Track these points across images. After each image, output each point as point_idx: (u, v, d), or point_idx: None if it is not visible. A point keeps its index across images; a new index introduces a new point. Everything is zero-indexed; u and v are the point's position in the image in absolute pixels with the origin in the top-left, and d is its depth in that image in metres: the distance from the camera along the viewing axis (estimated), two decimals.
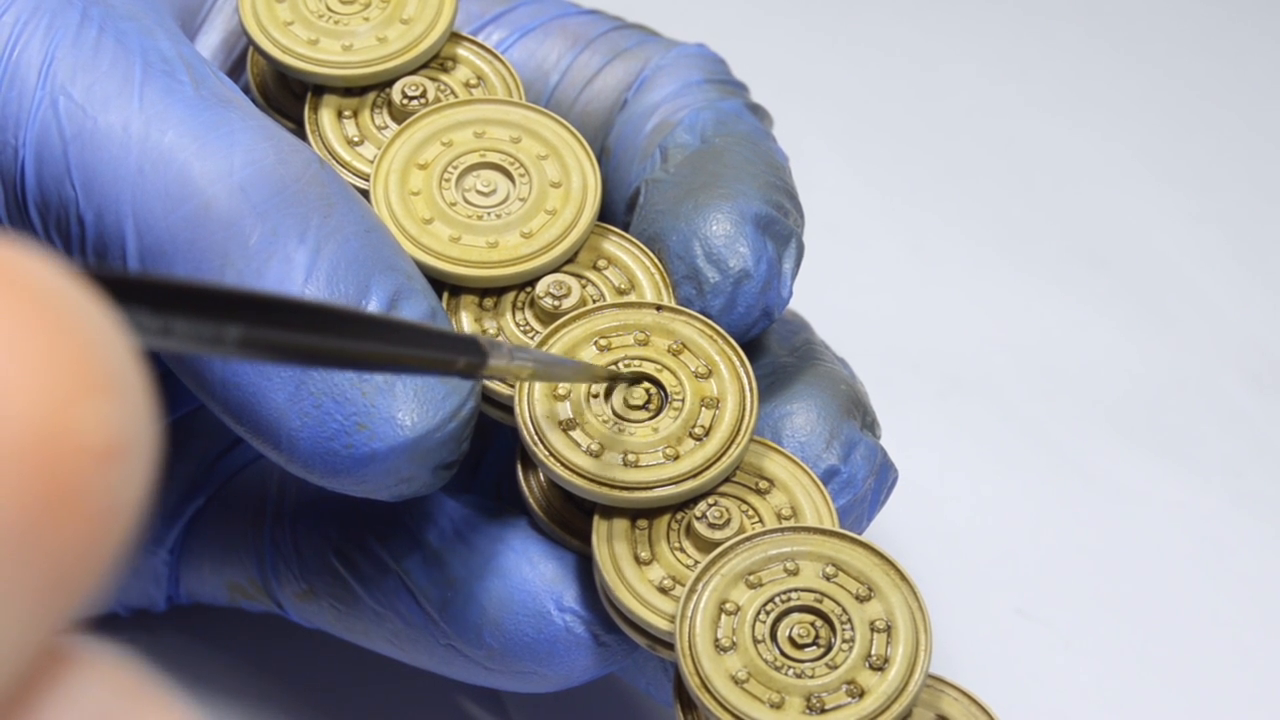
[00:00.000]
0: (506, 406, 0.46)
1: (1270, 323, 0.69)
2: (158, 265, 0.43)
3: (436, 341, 0.36)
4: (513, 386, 0.45)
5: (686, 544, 0.44)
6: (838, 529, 0.44)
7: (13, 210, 0.45)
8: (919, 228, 0.72)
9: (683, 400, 0.45)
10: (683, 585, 0.43)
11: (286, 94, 0.50)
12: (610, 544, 0.44)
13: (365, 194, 0.47)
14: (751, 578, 0.43)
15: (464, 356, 0.37)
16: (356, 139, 0.48)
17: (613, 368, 0.45)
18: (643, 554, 0.44)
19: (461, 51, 0.50)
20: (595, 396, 0.45)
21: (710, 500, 0.44)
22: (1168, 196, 0.73)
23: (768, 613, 0.42)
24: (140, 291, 0.26)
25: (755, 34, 0.78)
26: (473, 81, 0.50)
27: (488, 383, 0.46)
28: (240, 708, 0.55)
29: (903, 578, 0.43)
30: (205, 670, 0.55)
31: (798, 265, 0.47)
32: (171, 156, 0.43)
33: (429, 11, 0.49)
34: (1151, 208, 0.73)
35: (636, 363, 0.45)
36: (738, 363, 0.45)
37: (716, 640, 0.42)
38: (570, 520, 0.46)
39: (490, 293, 0.47)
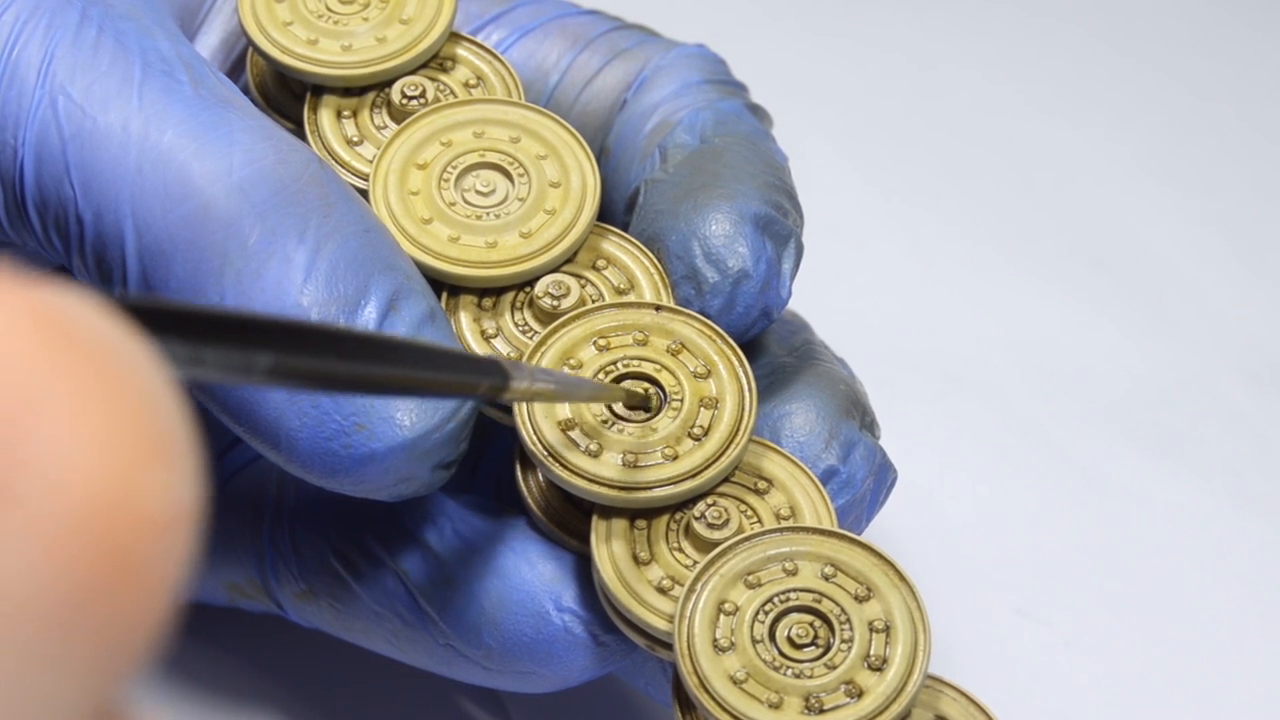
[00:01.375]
0: (505, 407, 0.46)
1: (1270, 323, 0.69)
2: (156, 264, 0.43)
3: (461, 365, 0.36)
4: None
5: (685, 544, 0.44)
6: (836, 529, 0.44)
7: (12, 210, 0.45)
8: (919, 228, 0.72)
9: (681, 400, 0.45)
10: (681, 585, 0.43)
11: (286, 94, 0.50)
12: (609, 544, 0.44)
13: (364, 194, 0.47)
14: (750, 578, 0.43)
15: (487, 379, 0.37)
16: (356, 139, 0.48)
17: (630, 388, 0.45)
18: (641, 554, 0.44)
19: (461, 51, 0.50)
20: (591, 400, 0.45)
21: (709, 500, 0.44)
22: (1168, 196, 0.73)
23: (766, 613, 0.42)
24: (171, 320, 0.26)
25: (755, 34, 0.78)
26: (472, 81, 0.50)
27: None
28: (240, 708, 0.55)
29: (901, 578, 0.43)
30: (205, 670, 0.55)
31: (797, 265, 0.47)
32: (170, 156, 0.43)
33: (428, 11, 0.49)
34: (1151, 208, 0.73)
35: (635, 363, 0.45)
36: (737, 363, 0.45)
37: (715, 640, 0.42)
38: (569, 520, 0.46)
39: (489, 293, 0.47)
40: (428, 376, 0.35)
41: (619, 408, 0.45)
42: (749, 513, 0.45)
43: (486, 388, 0.37)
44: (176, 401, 0.22)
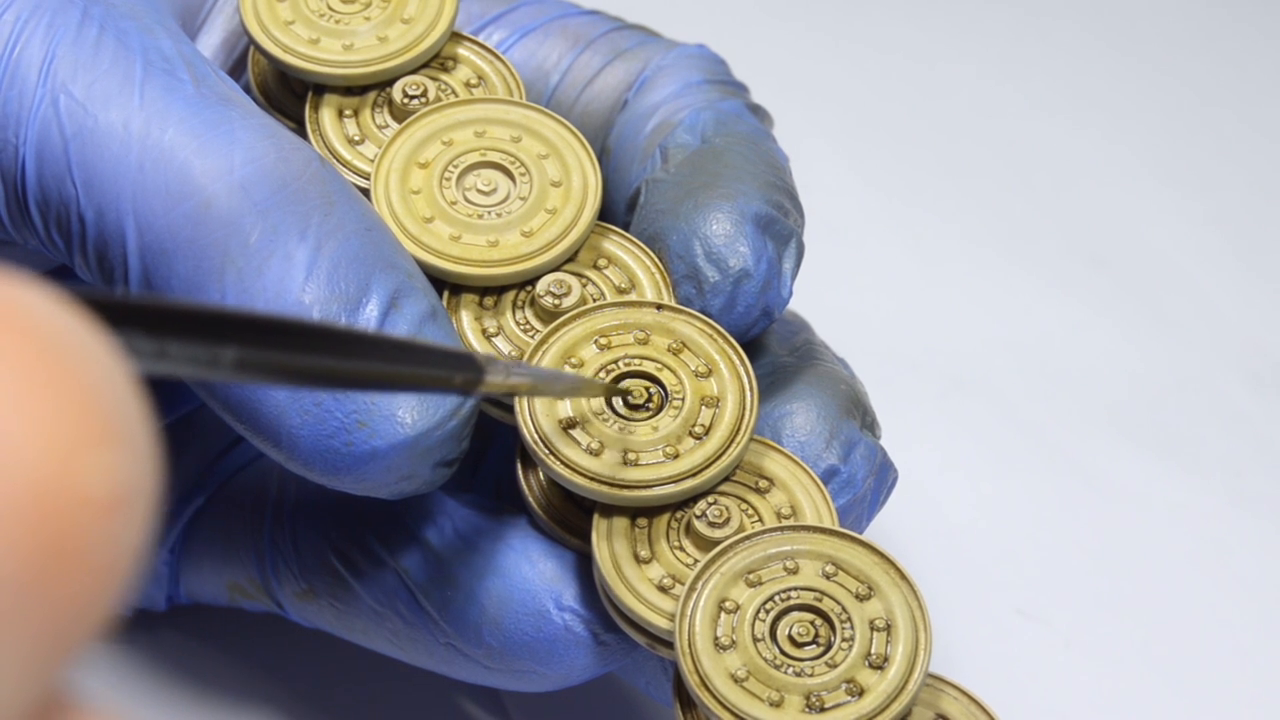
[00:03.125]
0: (507, 405, 0.46)
1: (1270, 323, 0.69)
2: (158, 263, 0.43)
3: (433, 359, 0.36)
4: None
5: (686, 543, 0.44)
6: (837, 528, 0.44)
7: (13, 208, 0.45)
8: (919, 228, 0.72)
9: (683, 399, 0.45)
10: (682, 584, 0.43)
11: (287, 93, 0.50)
12: (610, 542, 0.44)
13: (366, 193, 0.47)
14: (751, 576, 0.43)
15: (460, 373, 0.37)
16: (357, 138, 0.48)
17: (606, 380, 0.45)
18: (642, 553, 0.44)
19: (462, 51, 0.50)
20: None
21: (710, 499, 0.44)
22: (1168, 196, 0.73)
23: (767, 611, 0.42)
24: (135, 314, 0.26)
25: (756, 34, 0.78)
26: (473, 81, 0.50)
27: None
28: (240, 708, 0.55)
29: (902, 576, 0.43)
30: (205, 670, 0.55)
31: (798, 265, 0.47)
32: (172, 154, 0.43)
33: (430, 11, 0.49)
34: (1151, 208, 0.73)
35: (637, 361, 0.45)
36: (738, 362, 0.45)
37: (716, 639, 0.42)
38: (570, 519, 0.46)
39: (490, 291, 0.47)
40: (400, 370, 0.35)
41: (620, 406, 0.45)
42: (750, 511, 0.45)
43: (460, 381, 0.37)
44: (127, 385, 0.22)
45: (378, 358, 0.34)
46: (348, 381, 0.33)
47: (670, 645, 0.43)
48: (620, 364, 0.45)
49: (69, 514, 0.21)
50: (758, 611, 0.42)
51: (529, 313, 0.47)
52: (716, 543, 0.44)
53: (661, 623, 0.43)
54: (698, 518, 0.44)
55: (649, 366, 0.45)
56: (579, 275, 0.47)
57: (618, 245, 0.48)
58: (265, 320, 0.30)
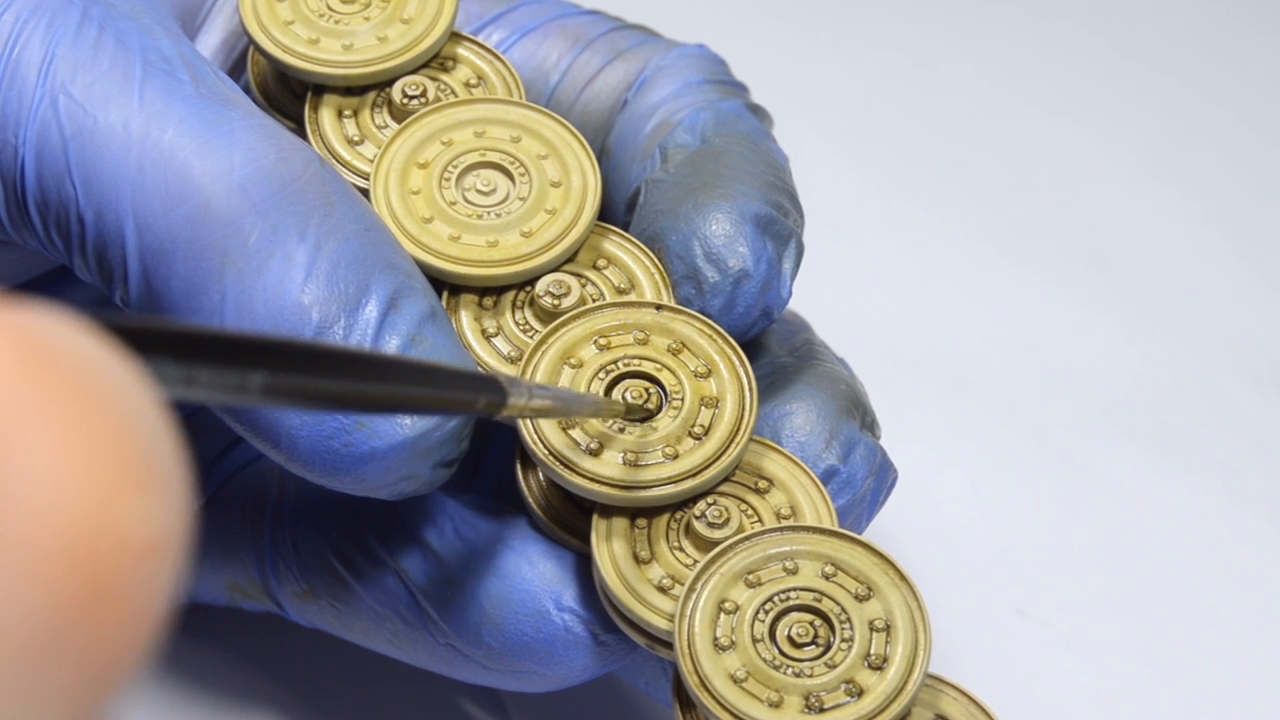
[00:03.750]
0: None
1: (1270, 323, 0.69)
2: (157, 263, 0.43)
3: (458, 382, 0.37)
4: None
5: (686, 543, 0.44)
6: (837, 528, 0.44)
7: (13, 209, 0.45)
8: (919, 228, 0.72)
9: (682, 399, 0.45)
10: (682, 584, 0.43)
11: (287, 93, 0.50)
12: (609, 543, 0.44)
13: (365, 193, 0.47)
14: (750, 577, 0.43)
15: (484, 396, 0.37)
16: (357, 138, 0.48)
17: (631, 401, 0.45)
18: (642, 553, 0.44)
19: (462, 51, 0.50)
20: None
21: (709, 499, 0.44)
22: (1168, 196, 0.73)
23: (766, 612, 0.42)
24: (163, 341, 0.26)
25: (755, 34, 0.78)
26: (473, 81, 0.50)
27: None
28: (240, 708, 0.55)
29: (902, 577, 0.43)
30: (205, 670, 0.55)
31: (797, 265, 0.47)
32: (171, 155, 0.43)
33: (429, 11, 0.49)
34: (1151, 208, 0.73)
35: (636, 362, 0.45)
36: (737, 362, 0.45)
37: (715, 639, 0.42)
38: (569, 519, 0.46)
39: (490, 292, 0.47)
40: (425, 393, 0.35)
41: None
42: (749, 512, 0.45)
43: (484, 404, 0.37)
44: (163, 425, 0.22)
45: (403, 381, 0.34)
46: (373, 405, 0.33)
47: (670, 646, 0.43)
48: (620, 364, 0.45)
49: (107, 558, 0.21)
50: (757, 612, 0.42)
51: (528, 313, 0.47)
52: (716, 543, 0.44)
53: (661, 623, 0.43)
54: (697, 518, 0.44)
55: (648, 367, 0.45)
56: (578, 275, 0.47)
57: (617, 245, 0.48)
58: (292, 345, 0.30)
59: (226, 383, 0.28)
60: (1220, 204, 0.73)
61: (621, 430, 0.44)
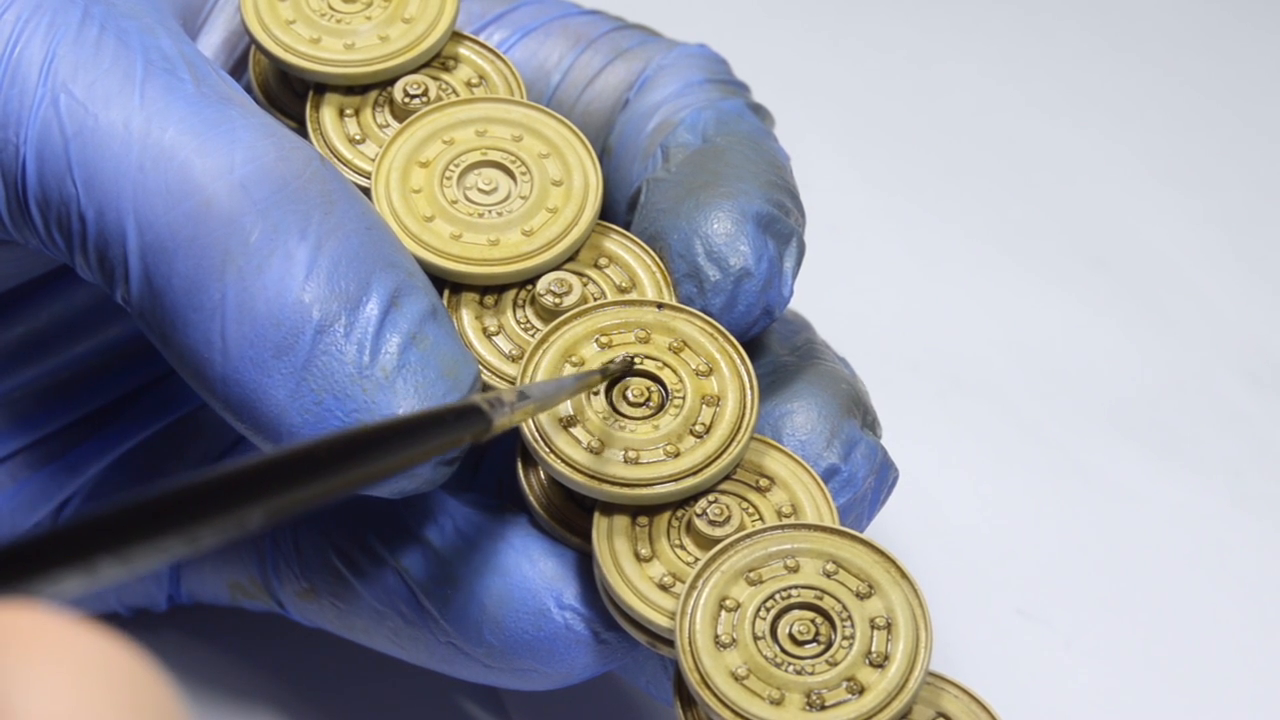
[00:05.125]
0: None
1: (1270, 323, 0.69)
2: (158, 262, 0.43)
3: (441, 426, 0.37)
4: (513, 384, 0.45)
5: (687, 541, 0.44)
6: (838, 526, 0.44)
7: (14, 208, 0.45)
8: (920, 227, 0.72)
9: (683, 398, 0.45)
10: (683, 582, 0.43)
11: (288, 92, 0.50)
12: (610, 541, 0.44)
13: (366, 192, 0.47)
14: (752, 575, 0.43)
15: (470, 428, 0.38)
16: (358, 137, 0.49)
17: (603, 366, 0.45)
18: (643, 551, 0.44)
19: (463, 51, 0.50)
20: (595, 394, 0.45)
21: (710, 497, 0.44)
22: (1168, 196, 0.73)
23: (768, 609, 0.42)
24: (156, 516, 0.27)
25: (756, 34, 0.78)
26: (474, 81, 0.50)
27: (488, 380, 0.46)
28: (241, 707, 0.55)
29: (903, 575, 0.43)
30: (206, 670, 0.55)
31: (799, 264, 0.47)
32: (172, 153, 0.43)
33: (431, 11, 0.49)
34: (1151, 208, 0.73)
35: (637, 360, 0.45)
36: (738, 360, 0.45)
37: (717, 637, 0.42)
38: (570, 518, 0.46)
39: (491, 290, 0.47)
40: (415, 451, 0.35)
41: (620, 404, 0.45)
42: (751, 510, 0.45)
43: (472, 435, 0.38)
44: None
45: (390, 449, 0.35)
46: (372, 480, 0.34)
47: (671, 643, 0.43)
48: (621, 362, 0.45)
49: None
50: (758, 610, 0.42)
51: (529, 311, 0.47)
52: (717, 541, 0.44)
53: (662, 621, 0.43)
54: (698, 516, 0.44)
55: (650, 365, 0.45)
56: (580, 274, 0.47)
57: (619, 244, 0.48)
58: (273, 466, 0.30)
59: (228, 529, 0.28)
60: (1220, 204, 0.73)
61: (623, 428, 0.44)
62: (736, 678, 0.41)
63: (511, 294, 0.47)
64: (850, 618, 0.42)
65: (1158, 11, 0.80)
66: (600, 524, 0.44)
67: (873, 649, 0.42)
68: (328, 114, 0.49)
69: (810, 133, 0.73)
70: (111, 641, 0.23)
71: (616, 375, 0.45)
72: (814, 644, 0.42)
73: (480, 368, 0.45)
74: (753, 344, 0.48)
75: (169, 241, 0.43)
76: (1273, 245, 0.72)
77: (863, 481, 0.47)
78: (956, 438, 0.64)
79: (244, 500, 0.29)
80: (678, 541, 0.44)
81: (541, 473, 0.46)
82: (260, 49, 0.49)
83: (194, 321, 0.43)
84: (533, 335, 0.46)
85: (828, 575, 0.43)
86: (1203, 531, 0.62)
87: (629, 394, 0.45)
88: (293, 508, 0.30)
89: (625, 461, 0.44)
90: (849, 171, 0.73)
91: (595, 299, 0.47)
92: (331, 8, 0.49)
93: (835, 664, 0.42)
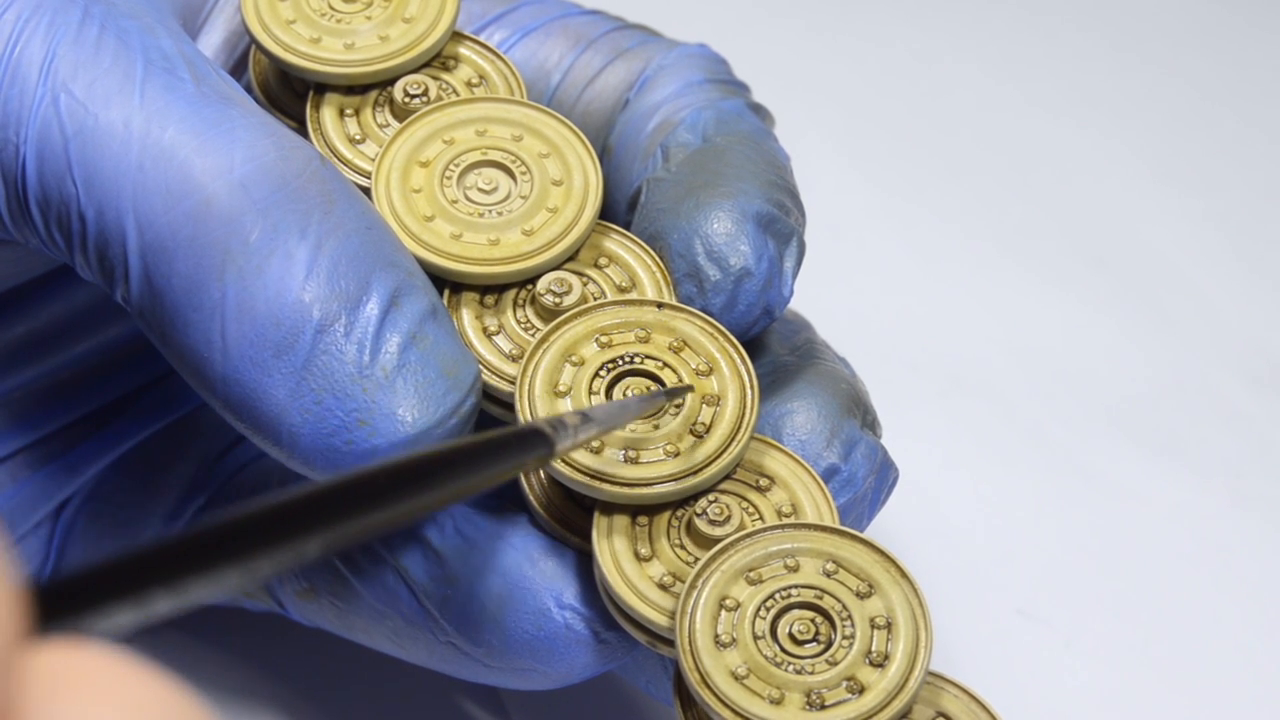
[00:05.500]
0: (507, 404, 0.46)
1: (1270, 323, 0.69)
2: (158, 261, 0.43)
3: (506, 452, 0.37)
4: (513, 383, 0.45)
5: (687, 540, 0.44)
6: (838, 526, 0.44)
7: (14, 207, 0.45)
8: (920, 227, 0.72)
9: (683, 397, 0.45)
10: (683, 582, 0.43)
11: (288, 92, 0.50)
12: (610, 540, 0.44)
13: (366, 191, 0.47)
14: (752, 574, 0.43)
15: (534, 454, 0.38)
16: (358, 137, 0.49)
17: (668, 388, 0.45)
18: (643, 550, 0.44)
19: (463, 51, 0.50)
20: (595, 394, 0.45)
21: (711, 497, 0.44)
22: (1168, 196, 0.73)
23: (768, 609, 0.42)
24: (216, 549, 0.26)
25: (757, 34, 0.78)
26: (475, 80, 0.50)
27: (488, 379, 0.46)
28: (240, 707, 0.55)
29: (903, 574, 0.43)
30: (205, 670, 0.55)
31: (799, 264, 0.47)
32: (172, 153, 0.43)
33: (431, 11, 0.49)
34: (1151, 208, 0.73)
35: (638, 360, 0.45)
36: (739, 360, 0.45)
37: (716, 636, 0.42)
38: (570, 517, 0.46)
39: (491, 290, 0.47)
40: (477, 478, 0.35)
41: None
42: (751, 510, 0.45)
43: (536, 461, 0.37)
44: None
45: (452, 476, 0.34)
46: (431, 509, 0.33)
47: (671, 643, 0.43)
48: (621, 362, 0.45)
49: None
50: (758, 609, 0.42)
51: (530, 311, 0.47)
52: (717, 540, 0.44)
53: (662, 620, 0.43)
54: (698, 515, 0.44)
55: (650, 365, 0.45)
56: (580, 274, 0.47)
57: (619, 244, 0.48)
58: (335, 491, 0.30)
59: (286, 563, 0.28)
60: (1220, 204, 0.73)
61: (623, 427, 0.44)
62: (736, 677, 0.41)
63: (512, 294, 0.47)
64: (850, 617, 0.42)
65: (1158, 11, 0.80)
66: (600, 524, 0.44)
67: (873, 648, 0.42)
68: (328, 114, 0.49)
69: (810, 132, 0.73)
70: (163, 682, 0.23)
71: (676, 394, 0.45)
72: (814, 643, 0.42)
73: (480, 367, 0.45)
74: (753, 344, 0.48)
75: (169, 241, 0.43)
76: (1273, 245, 0.72)
77: (863, 481, 0.47)
78: (956, 438, 0.64)
79: (302, 531, 0.28)
80: (678, 541, 0.44)
81: (541, 472, 0.46)
82: (260, 49, 0.49)
83: (194, 321, 0.43)
84: (533, 335, 0.46)
85: (828, 575, 0.43)
86: (1203, 531, 0.62)
87: (629, 394, 0.45)
88: (351, 538, 0.30)
89: (625, 461, 0.44)
90: (849, 171, 0.73)
91: (595, 299, 0.47)
92: (332, 7, 0.49)
93: (835, 663, 0.42)
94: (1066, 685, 0.58)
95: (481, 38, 0.51)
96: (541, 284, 0.47)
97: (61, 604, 0.23)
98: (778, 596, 0.43)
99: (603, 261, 0.48)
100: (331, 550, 0.29)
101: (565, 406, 0.45)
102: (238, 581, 0.26)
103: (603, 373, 0.45)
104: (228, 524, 0.27)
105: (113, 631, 0.24)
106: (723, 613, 0.42)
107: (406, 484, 0.32)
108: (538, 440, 0.38)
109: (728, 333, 0.46)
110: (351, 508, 0.30)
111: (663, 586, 0.44)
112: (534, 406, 0.44)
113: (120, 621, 0.24)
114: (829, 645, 0.42)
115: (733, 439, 0.44)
